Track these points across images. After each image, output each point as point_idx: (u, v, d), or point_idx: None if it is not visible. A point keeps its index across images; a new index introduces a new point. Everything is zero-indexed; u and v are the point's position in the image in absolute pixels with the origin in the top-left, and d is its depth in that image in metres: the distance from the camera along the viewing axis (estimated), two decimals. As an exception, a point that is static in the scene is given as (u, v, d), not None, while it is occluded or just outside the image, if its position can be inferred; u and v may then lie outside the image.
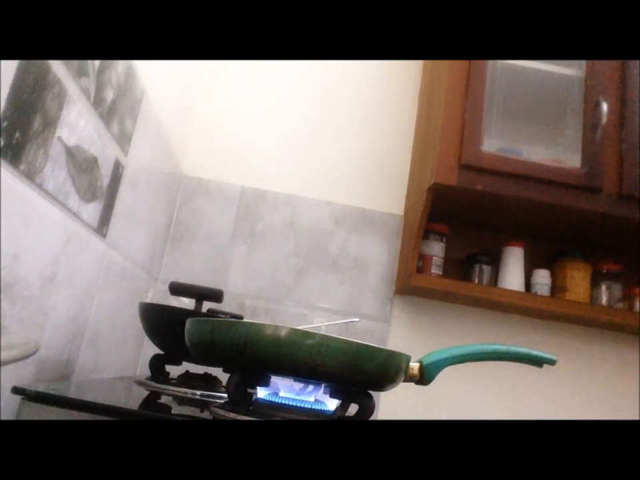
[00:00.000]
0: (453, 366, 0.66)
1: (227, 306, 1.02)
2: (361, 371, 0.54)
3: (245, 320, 0.77)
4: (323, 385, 0.60)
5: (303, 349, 0.52)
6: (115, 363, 1.00)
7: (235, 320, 0.62)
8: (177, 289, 0.89)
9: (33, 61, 0.55)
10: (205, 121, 1.35)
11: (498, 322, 1.30)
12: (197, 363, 0.78)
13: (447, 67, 1.13)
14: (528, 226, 1.25)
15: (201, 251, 1.27)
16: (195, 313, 0.84)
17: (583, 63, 1.15)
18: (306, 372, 0.54)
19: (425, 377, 0.64)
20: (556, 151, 1.22)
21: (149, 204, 1.06)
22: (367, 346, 0.54)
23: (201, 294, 0.88)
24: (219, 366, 0.64)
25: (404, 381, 0.62)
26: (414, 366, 0.64)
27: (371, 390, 0.58)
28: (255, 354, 0.52)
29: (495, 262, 1.26)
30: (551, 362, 0.67)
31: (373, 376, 0.56)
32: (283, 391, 0.60)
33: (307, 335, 0.52)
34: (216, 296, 0.88)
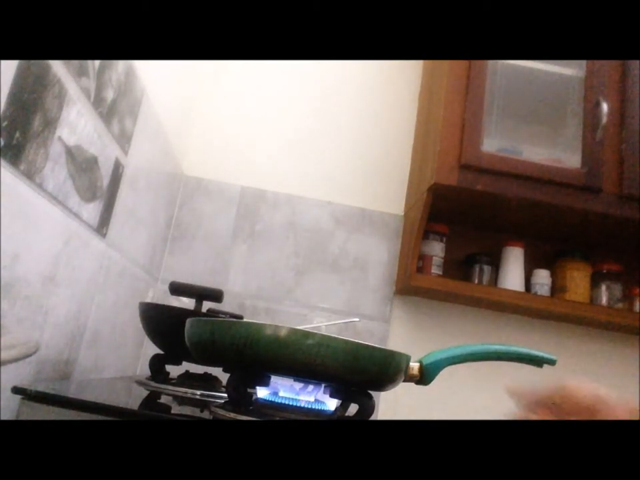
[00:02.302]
0: (453, 366, 0.66)
1: (227, 306, 1.02)
2: (361, 371, 0.54)
3: (245, 320, 0.77)
4: (323, 385, 0.60)
5: (302, 348, 0.52)
6: (115, 363, 1.00)
7: (234, 320, 0.62)
8: (177, 289, 0.89)
9: (32, 61, 0.55)
10: (205, 121, 1.35)
11: (498, 322, 1.30)
12: (197, 363, 0.78)
13: (447, 67, 1.13)
14: (528, 226, 1.25)
15: (201, 250, 1.27)
16: (195, 312, 0.85)
17: (583, 63, 1.15)
18: (306, 372, 0.54)
19: (425, 377, 0.64)
20: (556, 151, 1.22)
21: (149, 204, 1.06)
22: (367, 346, 0.54)
23: (201, 294, 0.88)
24: (219, 366, 0.64)
25: (404, 381, 0.62)
26: (414, 366, 0.64)
27: (371, 390, 0.58)
28: (254, 354, 0.52)
29: (495, 262, 1.26)
30: (551, 362, 0.67)
31: (373, 376, 0.56)
32: (283, 390, 0.60)
33: (306, 334, 0.52)
34: (216, 296, 0.88)
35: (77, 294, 0.77)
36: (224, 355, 0.55)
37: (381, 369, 0.56)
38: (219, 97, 1.38)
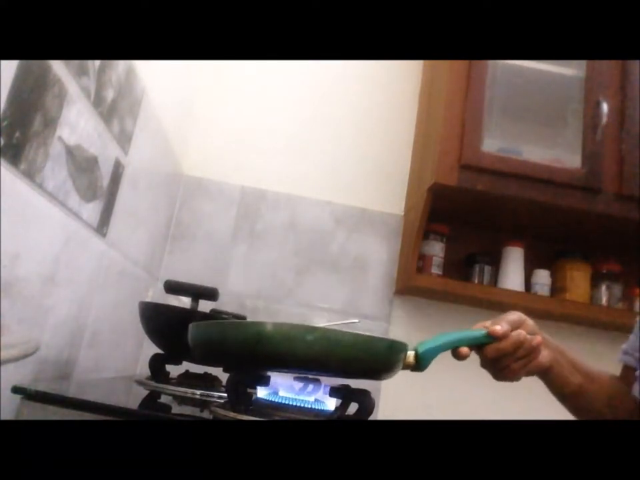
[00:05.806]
0: (453, 366, 0.66)
1: (227, 306, 1.02)
2: (365, 360, 0.55)
3: (248, 320, 0.77)
4: (323, 384, 0.60)
5: (306, 343, 0.52)
6: (115, 363, 1.00)
7: (239, 321, 0.62)
8: (171, 288, 0.89)
9: (32, 61, 0.55)
10: (205, 121, 1.35)
11: (498, 322, 1.29)
12: (198, 363, 0.78)
13: (447, 67, 1.13)
14: (528, 226, 1.25)
15: (201, 250, 1.27)
16: (193, 311, 0.84)
17: (583, 63, 1.15)
18: (312, 366, 0.54)
19: (420, 364, 0.63)
20: (556, 151, 1.22)
21: (149, 203, 1.06)
22: (369, 336, 0.55)
23: (196, 292, 0.88)
24: (225, 366, 0.63)
25: (402, 369, 0.62)
26: (410, 354, 0.64)
27: (372, 379, 0.59)
28: (264, 351, 0.53)
29: (495, 262, 1.26)
30: None
31: (375, 364, 0.56)
32: (283, 390, 0.60)
33: (309, 330, 0.52)
34: (211, 294, 0.88)
35: (77, 294, 0.77)
36: (234, 354, 0.55)
37: (380, 357, 0.56)
38: (219, 97, 1.38)
